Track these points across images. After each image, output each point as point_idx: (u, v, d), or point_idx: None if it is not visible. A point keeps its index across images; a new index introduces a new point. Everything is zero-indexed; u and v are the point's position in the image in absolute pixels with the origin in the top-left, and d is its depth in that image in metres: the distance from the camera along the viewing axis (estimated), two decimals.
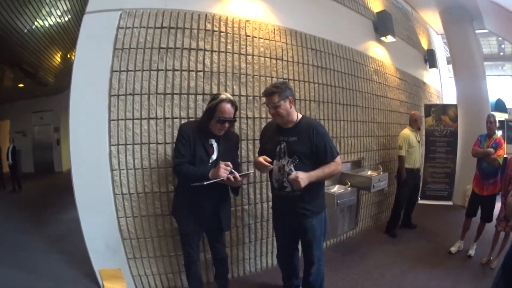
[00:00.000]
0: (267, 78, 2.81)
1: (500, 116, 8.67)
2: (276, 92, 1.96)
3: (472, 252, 3.15)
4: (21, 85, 8.71)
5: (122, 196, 2.39)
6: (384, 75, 4.27)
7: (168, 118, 2.43)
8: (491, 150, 3.04)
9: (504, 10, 4.18)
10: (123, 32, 2.39)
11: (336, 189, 3.12)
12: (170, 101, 2.44)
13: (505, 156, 3.16)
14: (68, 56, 7.77)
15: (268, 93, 2.00)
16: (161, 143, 2.42)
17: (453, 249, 3.25)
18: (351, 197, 3.05)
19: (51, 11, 5.71)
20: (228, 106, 1.97)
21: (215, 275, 2.44)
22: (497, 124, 7.71)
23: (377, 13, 4.24)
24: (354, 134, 3.65)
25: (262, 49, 2.80)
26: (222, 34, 2.63)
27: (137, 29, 2.42)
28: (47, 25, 6.04)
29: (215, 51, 2.59)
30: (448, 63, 6.86)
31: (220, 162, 1.93)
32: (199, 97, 2.51)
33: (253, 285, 2.69)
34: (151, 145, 2.40)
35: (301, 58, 3.07)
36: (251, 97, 2.73)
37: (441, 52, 7.34)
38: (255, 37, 2.78)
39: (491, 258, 2.96)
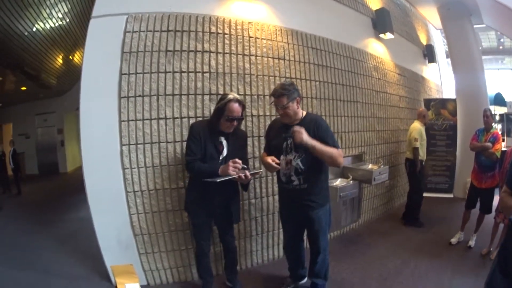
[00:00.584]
0: (271, 77, 2.89)
1: (499, 110, 8.69)
2: (285, 94, 2.04)
3: (472, 243, 3.20)
4: (23, 88, 8.68)
5: (134, 193, 2.46)
6: (384, 71, 4.35)
7: (176, 117, 2.52)
8: (489, 144, 3.08)
9: (502, 6, 4.23)
10: (130, 36, 2.43)
11: (338, 182, 3.20)
12: (178, 101, 2.52)
13: (503, 149, 3.19)
14: (70, 57, 7.75)
15: (277, 95, 2.07)
16: (170, 142, 2.51)
17: (454, 240, 3.30)
18: (353, 190, 3.12)
19: (51, 13, 5.72)
20: (236, 105, 2.06)
21: (225, 266, 2.54)
22: (497, 118, 7.75)
23: (376, 10, 4.31)
24: (355, 129, 3.74)
25: (265, 50, 2.88)
26: (226, 36, 2.70)
27: (143, 32, 2.47)
28: (48, 27, 6.04)
29: (220, 53, 2.66)
30: (448, 57, 6.91)
31: (230, 160, 2.03)
32: (206, 97, 2.60)
33: (261, 276, 2.77)
34: (161, 144, 2.48)
35: (303, 57, 3.15)
36: (255, 96, 2.82)
37: (440, 47, 7.38)
38: (258, 38, 2.85)
39: (491, 249, 2.99)
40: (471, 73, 5.26)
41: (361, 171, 3.37)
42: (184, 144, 2.49)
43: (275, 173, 2.69)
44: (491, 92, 7.27)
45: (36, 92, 9.18)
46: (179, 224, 2.58)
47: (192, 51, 2.57)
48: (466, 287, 2.43)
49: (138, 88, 2.44)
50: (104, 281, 2.63)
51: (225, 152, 2.17)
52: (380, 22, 4.25)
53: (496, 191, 3.23)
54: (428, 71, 6.26)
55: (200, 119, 2.55)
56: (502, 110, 8.73)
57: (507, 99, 9.16)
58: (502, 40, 12.78)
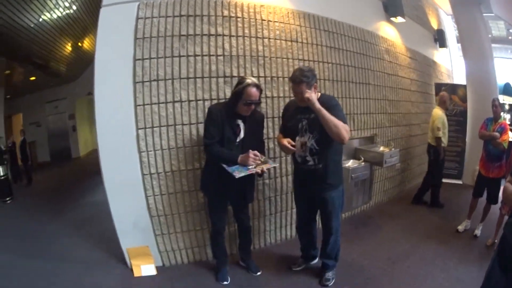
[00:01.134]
0: (284, 59, 2.90)
1: (508, 100, 8.54)
2: (304, 82, 2.04)
3: (478, 232, 3.20)
4: (32, 78, 8.73)
5: (150, 176, 2.51)
6: (395, 54, 4.31)
7: (192, 100, 2.55)
8: (497, 134, 3.08)
9: None
10: (142, 22, 2.44)
11: (350, 163, 3.23)
12: (193, 84, 2.55)
13: (511, 140, 3.19)
14: (79, 44, 7.76)
15: (296, 81, 2.07)
16: (186, 124, 2.55)
17: (460, 228, 3.31)
18: (365, 171, 3.17)
19: (57, 3, 5.74)
20: (254, 90, 2.08)
21: (239, 246, 2.61)
22: (506, 108, 7.59)
23: None
24: (367, 111, 3.75)
25: (277, 32, 2.88)
26: (239, 19, 2.70)
27: (156, 18, 2.47)
28: (55, 16, 6.06)
29: (233, 36, 2.67)
30: (458, 42, 6.80)
31: (250, 151, 2.06)
32: (221, 80, 2.63)
33: (274, 256, 2.83)
34: (177, 126, 2.52)
35: (315, 39, 3.14)
36: (269, 78, 2.83)
37: (451, 32, 7.25)
38: (271, 21, 2.85)
39: (496, 240, 2.97)
40: (481, 60, 5.19)
41: (372, 153, 3.39)
42: (200, 126, 2.55)
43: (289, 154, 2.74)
44: (500, 81, 7.15)
45: (46, 81, 9.22)
46: (195, 204, 2.64)
47: (205, 35, 2.58)
48: (469, 276, 2.45)
49: (153, 72, 2.46)
50: (119, 263, 2.70)
51: (242, 135, 2.20)
52: (391, 6, 4.19)
53: (503, 181, 3.21)
54: (439, 55, 6.18)
55: (215, 101, 2.58)
56: (511, 100, 8.58)
57: None
58: (511, 30, 12.44)
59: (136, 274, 2.57)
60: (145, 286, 2.46)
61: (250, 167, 2.05)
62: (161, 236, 2.63)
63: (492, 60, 5.26)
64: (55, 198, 5.36)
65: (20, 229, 3.84)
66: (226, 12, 2.66)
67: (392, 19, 4.25)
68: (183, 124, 2.54)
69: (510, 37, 13.13)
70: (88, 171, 7.10)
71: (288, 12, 2.97)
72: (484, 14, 5.41)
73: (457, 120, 5.23)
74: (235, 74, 2.66)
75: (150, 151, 2.50)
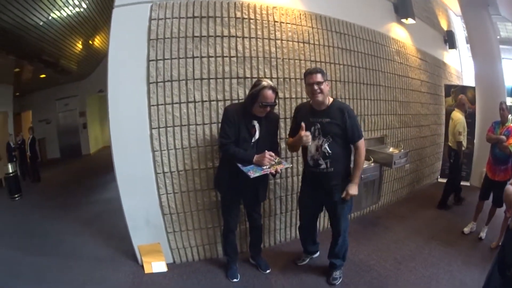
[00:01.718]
0: (296, 61, 2.92)
1: None
2: (320, 72, 2.11)
3: (483, 234, 3.20)
4: (42, 76, 8.73)
5: (163, 174, 2.55)
6: (405, 56, 4.30)
7: (205, 101, 2.58)
8: (503, 137, 3.06)
9: None
10: (155, 23, 2.46)
11: None
12: (207, 85, 2.58)
13: None
14: (90, 42, 7.76)
15: (313, 71, 2.13)
16: (200, 124, 2.58)
17: (466, 229, 3.31)
18: (374, 172, 3.18)
19: (67, 1, 5.74)
20: (269, 92, 2.11)
21: (249, 244, 2.65)
22: None
23: None
24: (377, 112, 3.76)
25: (290, 34, 2.90)
26: (251, 21, 2.73)
27: (169, 19, 2.50)
28: (64, 15, 6.07)
29: (246, 37, 2.70)
30: (468, 43, 6.74)
31: (266, 151, 2.11)
32: (234, 81, 2.66)
33: (283, 254, 2.86)
34: (190, 126, 2.56)
35: (327, 41, 3.16)
36: (281, 79, 2.86)
37: (461, 33, 7.19)
38: (283, 23, 2.87)
39: (500, 244, 2.94)
40: (489, 61, 5.16)
41: (382, 154, 3.39)
42: (213, 126, 2.59)
43: (300, 154, 2.78)
44: (508, 83, 7.07)
45: (56, 79, 9.23)
46: (207, 203, 2.68)
47: (218, 36, 2.61)
48: (472, 279, 2.46)
49: (167, 73, 2.49)
50: (129, 260, 2.74)
51: (257, 135, 2.23)
52: (401, 7, 4.19)
53: None
54: (448, 57, 6.13)
55: (228, 102, 2.62)
56: None
57: None
58: None
59: (146, 271, 2.61)
60: (156, 283, 2.49)
61: (264, 167, 2.09)
62: (173, 234, 2.67)
63: (500, 62, 5.22)
64: (64, 195, 5.38)
65: (29, 225, 3.87)
66: (239, 14, 2.68)
67: (403, 20, 4.24)
68: (196, 124, 2.58)
69: None
70: (98, 169, 7.16)
71: (300, 14, 2.99)
72: (492, 16, 5.37)
73: (466, 122, 5.18)
74: (248, 75, 2.70)
75: (164, 150, 2.54)
